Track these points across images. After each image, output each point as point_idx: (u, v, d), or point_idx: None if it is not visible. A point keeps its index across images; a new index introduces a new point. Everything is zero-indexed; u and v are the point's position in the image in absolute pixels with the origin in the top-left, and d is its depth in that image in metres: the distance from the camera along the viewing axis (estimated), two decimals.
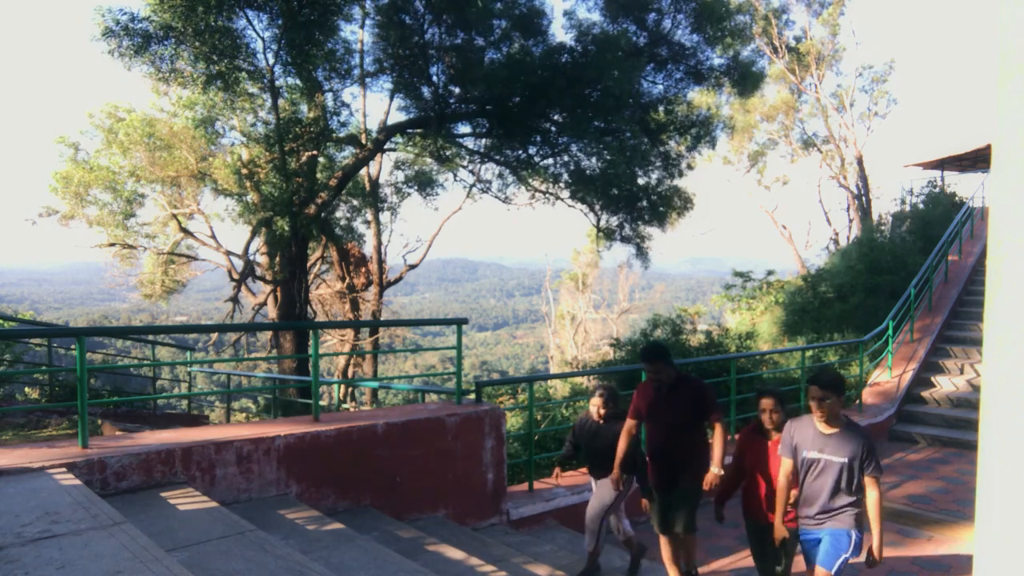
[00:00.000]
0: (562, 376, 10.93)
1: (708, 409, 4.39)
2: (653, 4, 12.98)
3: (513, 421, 9.84)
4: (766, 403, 4.18)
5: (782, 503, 3.98)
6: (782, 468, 3.93)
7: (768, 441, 4.21)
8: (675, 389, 4.42)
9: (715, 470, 4.33)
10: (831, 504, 3.72)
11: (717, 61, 13.95)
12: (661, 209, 13.63)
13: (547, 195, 14.35)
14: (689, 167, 14.68)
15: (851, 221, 25.65)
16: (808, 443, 3.76)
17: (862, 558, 3.82)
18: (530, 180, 13.85)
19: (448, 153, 13.93)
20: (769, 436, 4.21)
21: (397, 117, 33.47)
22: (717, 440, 4.37)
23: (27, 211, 16.11)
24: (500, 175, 14.72)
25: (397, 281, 20.43)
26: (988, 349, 1.01)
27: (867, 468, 3.66)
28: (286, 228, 10.90)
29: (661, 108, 13.88)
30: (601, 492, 4.80)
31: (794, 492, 3.96)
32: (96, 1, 9.20)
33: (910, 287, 11.12)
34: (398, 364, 44.01)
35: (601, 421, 4.84)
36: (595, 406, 4.82)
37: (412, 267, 20.58)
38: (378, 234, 18.64)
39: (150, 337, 12.21)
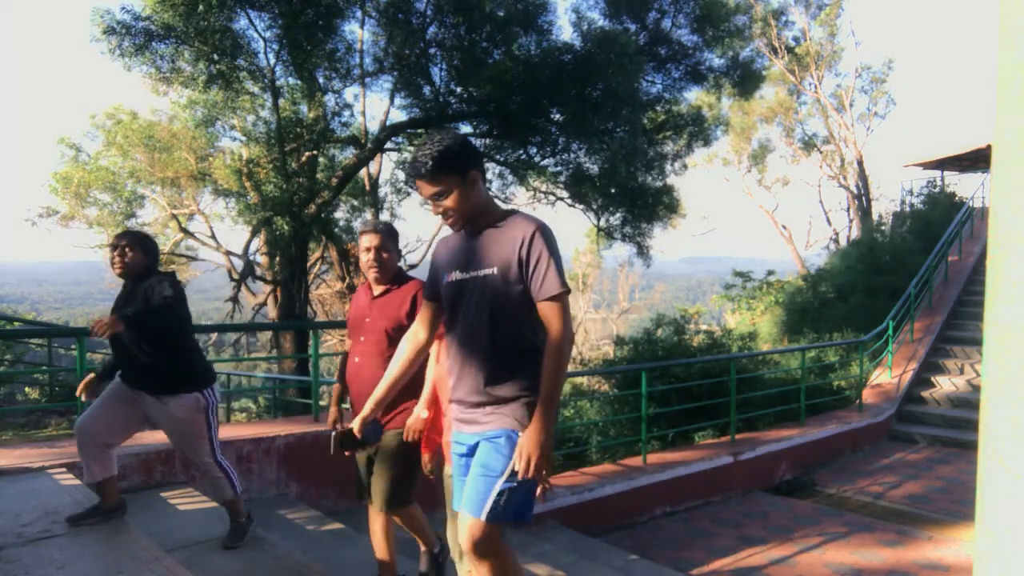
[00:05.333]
0: None
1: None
2: (653, 3, 12.99)
3: None
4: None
5: (388, 386, 2.33)
6: (419, 316, 2.38)
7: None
8: (389, 291, 3.13)
9: (418, 410, 2.94)
10: (490, 379, 2.10)
11: (717, 61, 13.98)
12: (660, 209, 13.64)
13: (547, 195, 14.35)
14: (685, 166, 14.70)
15: (851, 221, 25.66)
16: (447, 261, 2.24)
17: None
18: (530, 180, 13.85)
19: None
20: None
21: (397, 117, 33.54)
22: (430, 369, 2.94)
23: (27, 211, 16.13)
24: (500, 175, 14.71)
25: None
26: (988, 349, 1.01)
27: (533, 282, 2.05)
28: (286, 228, 10.90)
29: (659, 108, 13.91)
30: (175, 417, 3.19)
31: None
32: (96, 1, 9.22)
33: (910, 287, 11.13)
34: None
35: (122, 277, 3.26)
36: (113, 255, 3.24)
37: (412, 267, 20.58)
38: None
39: None
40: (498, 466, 2.07)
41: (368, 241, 3.09)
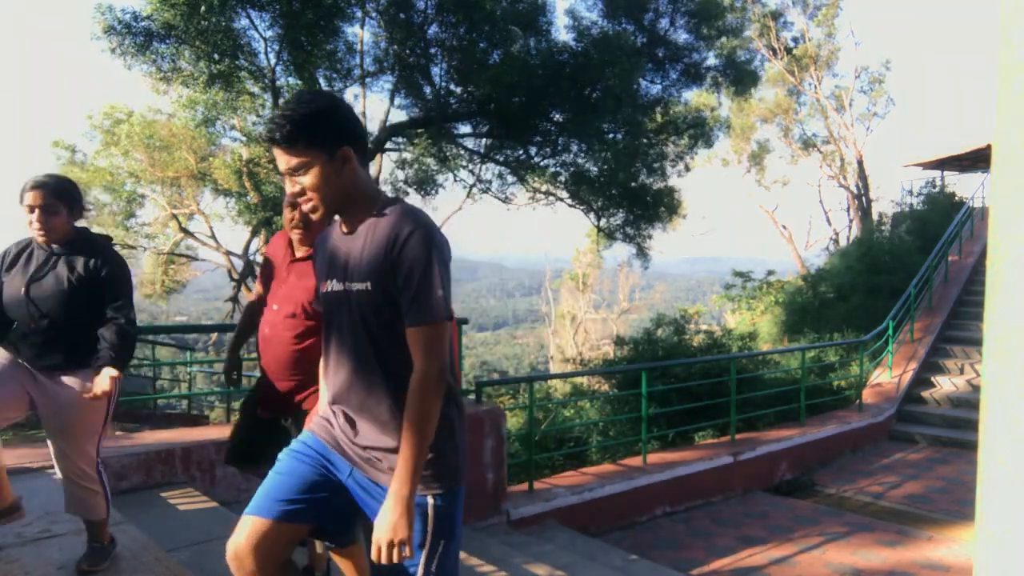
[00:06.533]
0: (562, 376, 10.94)
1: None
2: (651, 4, 13.01)
3: (513, 421, 9.85)
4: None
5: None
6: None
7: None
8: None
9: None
10: (395, 423, 1.68)
11: (713, 61, 14.02)
12: (660, 209, 13.66)
13: (547, 195, 14.36)
14: (687, 168, 14.71)
15: (851, 221, 25.66)
16: (325, 263, 1.81)
17: None
18: (530, 180, 13.86)
19: (449, 153, 13.95)
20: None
21: (397, 117, 33.51)
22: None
23: None
24: (500, 175, 14.72)
25: None
26: (988, 349, 1.01)
27: (403, 299, 1.62)
28: None
29: (659, 108, 13.92)
30: (73, 399, 2.55)
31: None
32: (96, 0, 9.22)
33: (910, 287, 11.13)
34: None
35: (47, 244, 2.59)
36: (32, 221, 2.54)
37: None
38: None
39: (150, 337, 12.21)
40: (415, 540, 1.67)
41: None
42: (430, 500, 1.68)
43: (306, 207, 1.69)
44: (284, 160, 1.65)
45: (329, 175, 1.65)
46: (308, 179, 1.65)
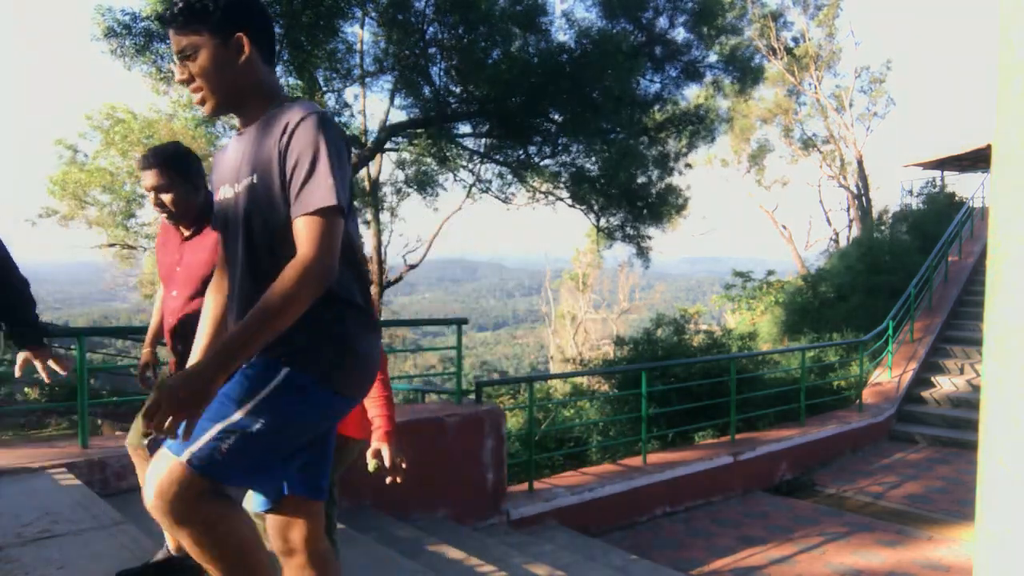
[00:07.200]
0: (562, 376, 10.94)
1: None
2: (649, 2, 13.01)
3: (513, 421, 9.85)
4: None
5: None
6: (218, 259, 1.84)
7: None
8: (200, 231, 2.46)
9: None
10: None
11: (714, 58, 14.03)
12: (661, 209, 13.66)
13: (547, 195, 14.36)
14: (688, 166, 14.71)
15: (851, 221, 25.67)
16: (219, 174, 1.68)
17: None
18: (530, 180, 13.86)
19: (449, 153, 13.96)
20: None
21: (397, 117, 33.54)
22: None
23: (27, 211, 16.16)
24: (500, 175, 14.73)
25: (397, 281, 20.41)
26: (988, 349, 1.01)
27: (292, 189, 1.46)
28: None
29: (658, 107, 13.93)
30: None
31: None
32: (97, 0, 9.23)
33: (910, 287, 11.13)
34: (398, 364, 43.94)
35: None
36: None
37: (412, 267, 20.56)
38: (378, 234, 18.63)
39: None
40: (236, 393, 1.44)
41: (148, 180, 2.41)
42: (283, 371, 1.47)
43: (195, 98, 1.56)
44: (175, 42, 1.54)
45: (220, 62, 1.53)
46: (197, 64, 1.53)
